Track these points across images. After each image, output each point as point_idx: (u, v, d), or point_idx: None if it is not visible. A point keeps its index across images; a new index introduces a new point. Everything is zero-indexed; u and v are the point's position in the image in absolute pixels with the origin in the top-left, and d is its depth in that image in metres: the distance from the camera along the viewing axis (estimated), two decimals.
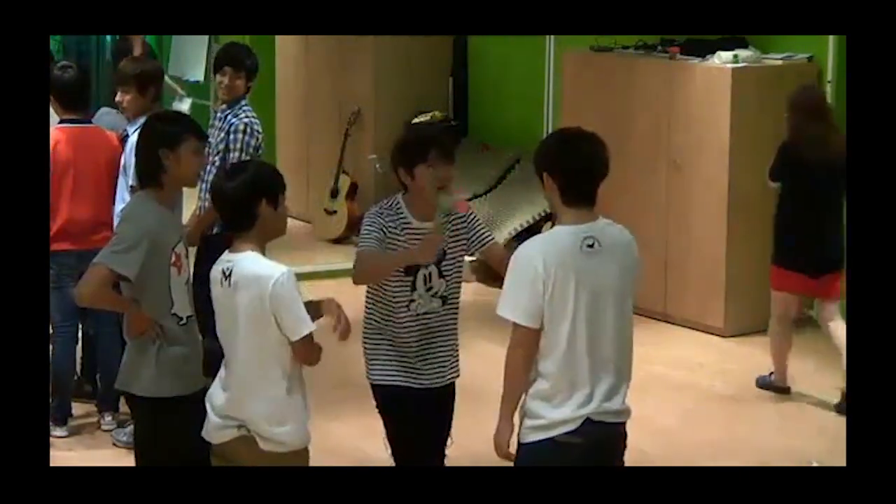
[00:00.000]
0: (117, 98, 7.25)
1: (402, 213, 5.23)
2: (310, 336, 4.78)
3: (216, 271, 4.87)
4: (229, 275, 4.80)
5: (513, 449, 4.67)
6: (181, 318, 5.17)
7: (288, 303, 4.73)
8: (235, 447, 4.84)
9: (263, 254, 4.86)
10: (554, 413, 4.58)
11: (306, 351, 4.81)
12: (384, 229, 5.19)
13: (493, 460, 4.72)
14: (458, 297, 5.35)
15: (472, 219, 5.39)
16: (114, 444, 7.10)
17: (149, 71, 7.30)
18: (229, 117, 7.37)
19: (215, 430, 4.89)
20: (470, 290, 5.56)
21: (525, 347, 4.59)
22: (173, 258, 5.12)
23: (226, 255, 4.87)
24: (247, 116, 7.38)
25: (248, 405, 4.79)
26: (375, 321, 5.29)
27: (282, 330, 4.74)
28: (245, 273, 4.76)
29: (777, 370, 8.18)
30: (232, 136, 7.30)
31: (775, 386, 8.19)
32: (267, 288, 4.71)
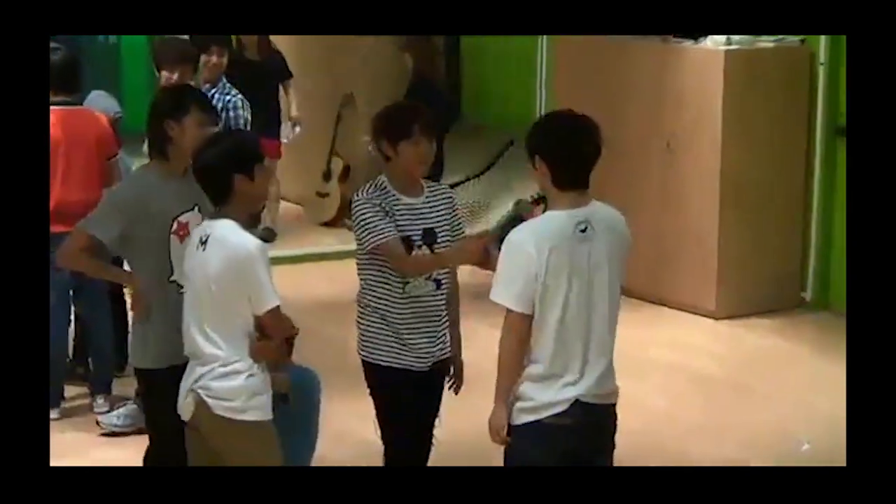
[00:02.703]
0: (174, 79, 7.19)
1: (388, 191, 5.24)
2: (277, 310, 4.85)
3: (193, 238, 4.93)
4: (205, 241, 4.85)
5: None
6: (182, 287, 5.17)
7: (258, 274, 4.79)
8: (198, 416, 4.90)
9: (244, 226, 4.91)
10: (543, 395, 4.58)
11: (273, 324, 4.87)
12: (384, 209, 5.19)
13: (484, 442, 4.72)
14: (450, 282, 5.36)
15: (456, 202, 5.42)
16: (102, 432, 7.07)
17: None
18: (218, 95, 7.42)
19: (183, 404, 4.96)
20: (463, 273, 5.54)
21: (518, 332, 4.58)
22: (175, 226, 5.13)
23: (207, 222, 4.93)
24: (236, 93, 7.50)
25: (208, 373, 4.86)
26: (370, 301, 5.29)
27: (250, 302, 4.82)
28: (220, 239, 4.82)
29: None
30: (233, 114, 7.39)
31: None
32: (240, 257, 4.78)
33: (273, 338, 4.97)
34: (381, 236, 5.15)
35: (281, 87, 10.80)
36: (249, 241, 4.84)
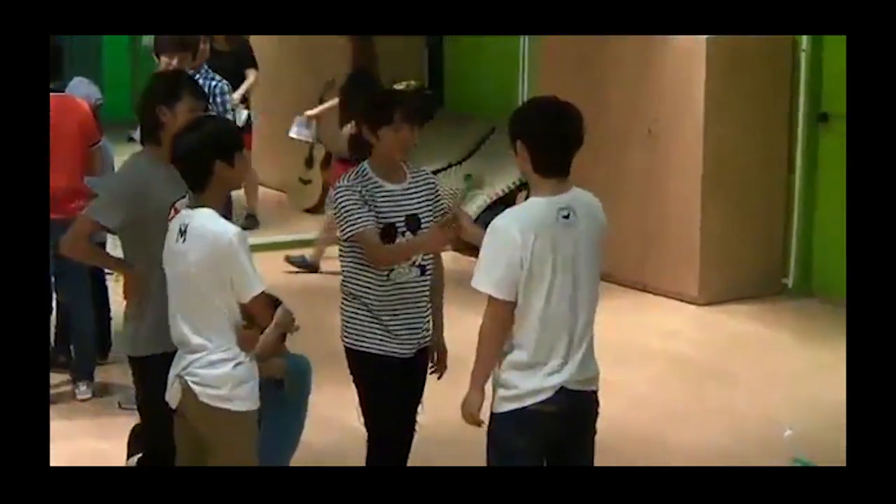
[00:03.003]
0: (173, 64, 7.23)
1: (370, 178, 5.23)
2: (262, 296, 4.81)
3: (173, 228, 4.89)
4: (184, 231, 4.81)
5: (484, 419, 4.67)
6: None
7: (241, 262, 4.75)
8: (185, 403, 4.88)
9: (221, 211, 4.88)
10: (527, 383, 4.57)
11: (260, 311, 4.85)
12: (363, 197, 5.18)
13: (467, 429, 4.72)
14: (434, 268, 5.36)
15: (439, 187, 5.42)
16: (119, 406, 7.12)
17: None
18: (202, 81, 7.47)
19: (171, 390, 4.95)
20: (445, 259, 5.54)
21: (500, 320, 4.56)
22: (172, 213, 5.11)
23: (185, 211, 4.88)
24: (220, 79, 7.52)
25: (196, 361, 4.84)
26: (353, 288, 5.29)
27: (234, 290, 4.78)
28: (199, 229, 4.78)
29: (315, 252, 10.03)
30: (220, 99, 7.41)
31: (307, 264, 10.00)
32: (220, 246, 4.74)
33: (260, 325, 4.94)
34: (356, 226, 5.15)
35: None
36: (229, 229, 4.81)
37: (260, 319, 4.92)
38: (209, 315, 4.82)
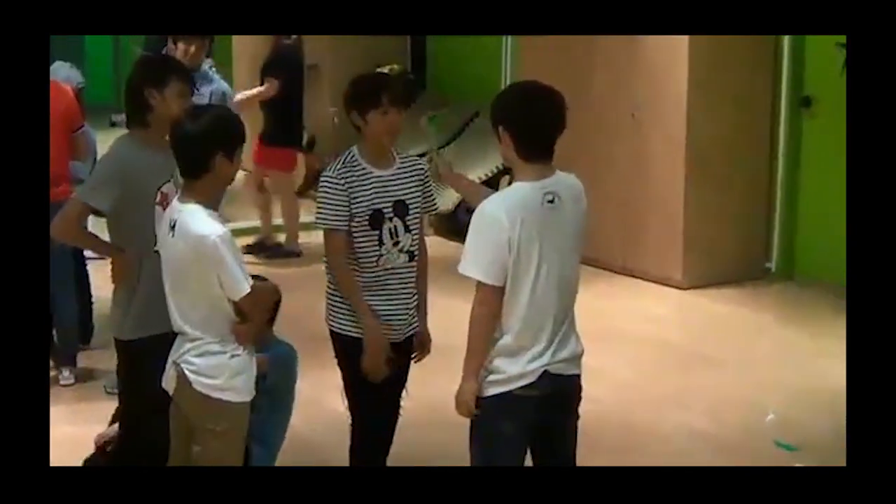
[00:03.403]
0: (191, 50, 7.28)
1: (358, 165, 5.22)
2: (251, 294, 4.76)
3: (166, 219, 4.86)
4: (174, 226, 4.79)
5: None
6: None
7: (226, 263, 4.69)
8: (179, 390, 4.85)
9: (209, 203, 4.81)
10: (513, 367, 4.56)
11: (250, 309, 4.82)
12: (349, 189, 5.16)
13: (450, 413, 4.72)
14: (418, 253, 5.35)
15: (428, 178, 5.40)
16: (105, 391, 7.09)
17: None
18: (205, 68, 7.56)
19: (167, 376, 4.93)
20: (428, 244, 5.54)
21: (490, 306, 4.53)
22: (159, 197, 5.08)
23: (176, 204, 4.83)
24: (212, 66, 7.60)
25: (193, 349, 4.81)
26: None
27: (223, 289, 4.74)
28: (184, 227, 4.73)
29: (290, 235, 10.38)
30: (216, 86, 7.48)
31: (285, 252, 10.21)
32: (205, 247, 4.68)
33: (253, 321, 4.91)
34: (328, 222, 5.15)
35: None
36: (213, 230, 4.69)
37: (252, 316, 4.88)
38: (202, 309, 4.79)
